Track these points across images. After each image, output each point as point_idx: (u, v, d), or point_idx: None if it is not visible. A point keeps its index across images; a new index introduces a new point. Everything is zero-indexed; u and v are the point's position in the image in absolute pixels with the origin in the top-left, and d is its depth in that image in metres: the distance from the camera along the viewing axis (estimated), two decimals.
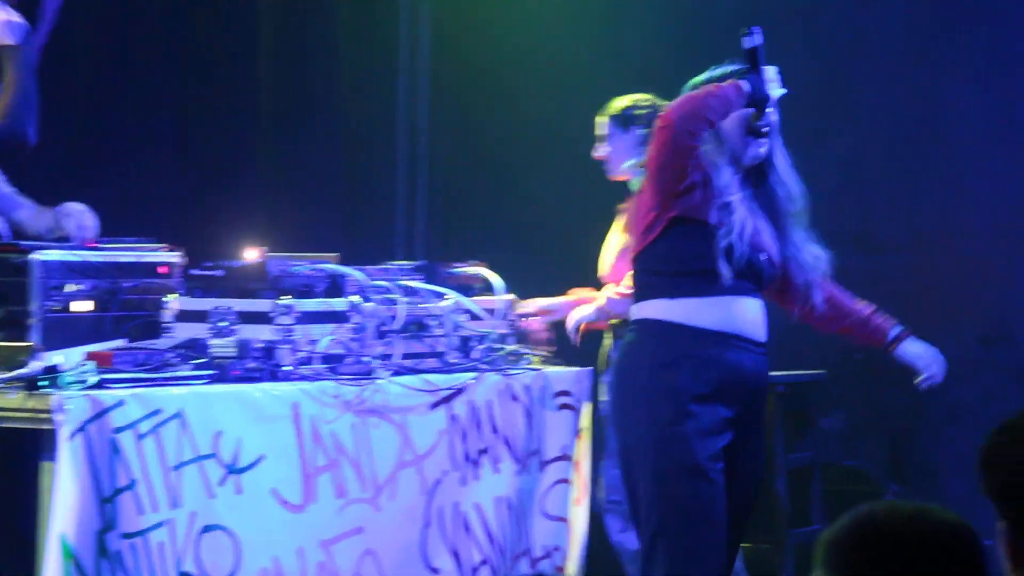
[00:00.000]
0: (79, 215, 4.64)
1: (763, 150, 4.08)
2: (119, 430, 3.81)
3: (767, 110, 4.03)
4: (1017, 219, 6.34)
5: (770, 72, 4.04)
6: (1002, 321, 6.37)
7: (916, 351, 4.30)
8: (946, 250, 6.44)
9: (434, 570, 4.47)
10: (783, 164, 4.14)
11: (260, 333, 4.28)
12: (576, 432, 4.90)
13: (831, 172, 6.56)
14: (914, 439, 6.41)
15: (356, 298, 4.48)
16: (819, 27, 6.63)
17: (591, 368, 5.00)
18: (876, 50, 6.57)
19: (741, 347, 4.01)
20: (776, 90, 4.05)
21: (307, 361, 4.32)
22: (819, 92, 6.47)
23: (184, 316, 4.36)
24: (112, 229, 4.65)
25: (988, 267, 6.34)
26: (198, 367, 4.17)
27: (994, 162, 6.40)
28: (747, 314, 4.03)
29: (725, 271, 3.94)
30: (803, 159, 6.29)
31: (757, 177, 4.10)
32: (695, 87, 4.10)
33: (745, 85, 3.99)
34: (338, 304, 4.45)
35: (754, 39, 4.03)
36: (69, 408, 3.76)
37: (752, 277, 4.04)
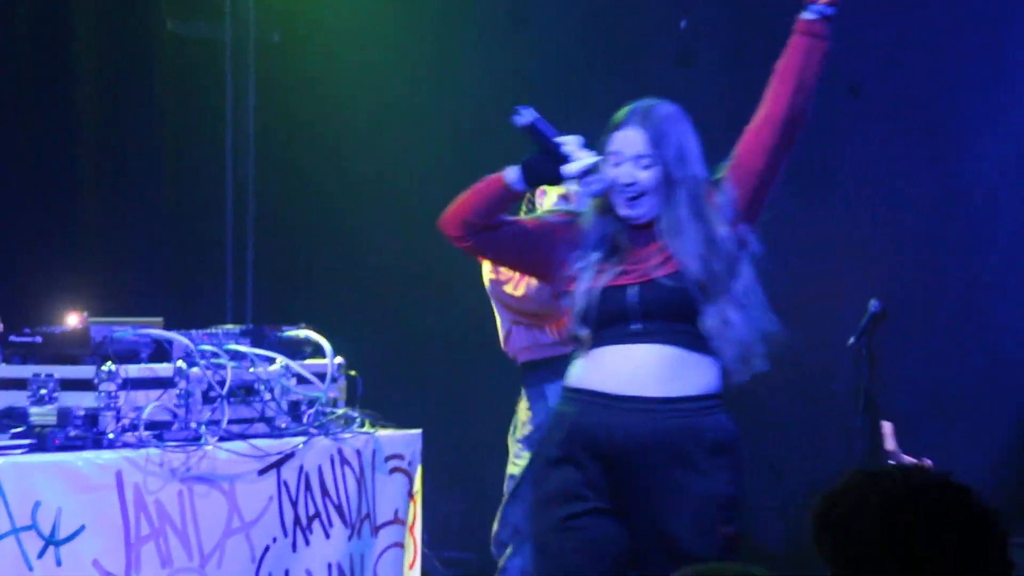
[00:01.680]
0: None
1: (628, 209, 3.80)
2: None
3: (589, 175, 3.78)
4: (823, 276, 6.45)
5: (569, 141, 3.82)
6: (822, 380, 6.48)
7: None
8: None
9: None
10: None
11: (83, 400, 4.18)
12: (409, 495, 4.87)
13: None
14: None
15: (182, 363, 4.40)
16: (641, 93, 6.72)
17: (421, 431, 4.98)
18: (691, 118, 6.69)
19: (598, 404, 3.72)
20: (577, 159, 3.79)
21: (132, 428, 4.23)
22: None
23: (3, 384, 4.26)
24: None
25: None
26: (16, 436, 4.06)
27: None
28: (622, 367, 3.71)
29: (578, 330, 3.82)
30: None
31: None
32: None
33: (509, 173, 3.84)
34: (163, 370, 4.37)
35: (523, 117, 3.84)
36: None
37: (628, 317, 3.70)
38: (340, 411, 4.79)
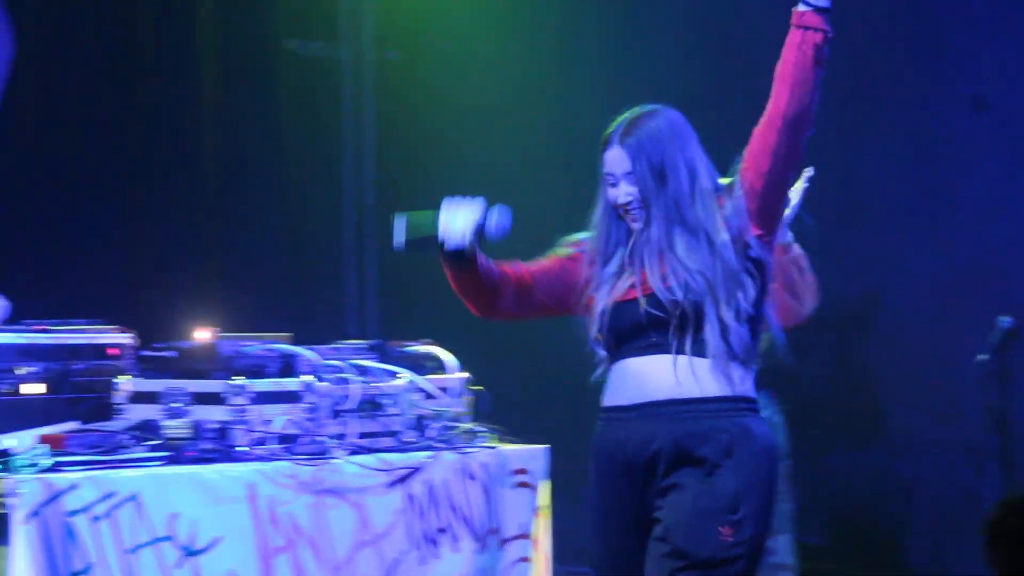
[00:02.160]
0: None
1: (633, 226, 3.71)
2: (74, 513, 3.75)
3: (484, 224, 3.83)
4: (949, 294, 6.38)
5: (445, 224, 3.89)
6: (951, 398, 6.40)
7: None
8: (884, 325, 6.48)
9: None
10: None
11: (214, 414, 4.24)
12: (534, 510, 4.87)
13: None
14: (874, 513, 6.41)
15: (310, 378, 4.45)
16: (755, 108, 6.69)
17: (548, 446, 4.97)
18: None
19: (616, 419, 3.66)
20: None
21: (262, 441, 4.28)
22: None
23: (137, 398, 4.33)
24: (63, 311, 4.60)
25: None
26: (152, 449, 4.12)
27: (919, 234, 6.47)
28: (635, 378, 3.65)
29: (597, 349, 3.73)
30: None
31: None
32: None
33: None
34: (291, 384, 4.41)
35: (397, 237, 3.87)
36: (22, 492, 3.71)
37: (643, 330, 3.63)
38: (465, 426, 4.80)
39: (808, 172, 4.87)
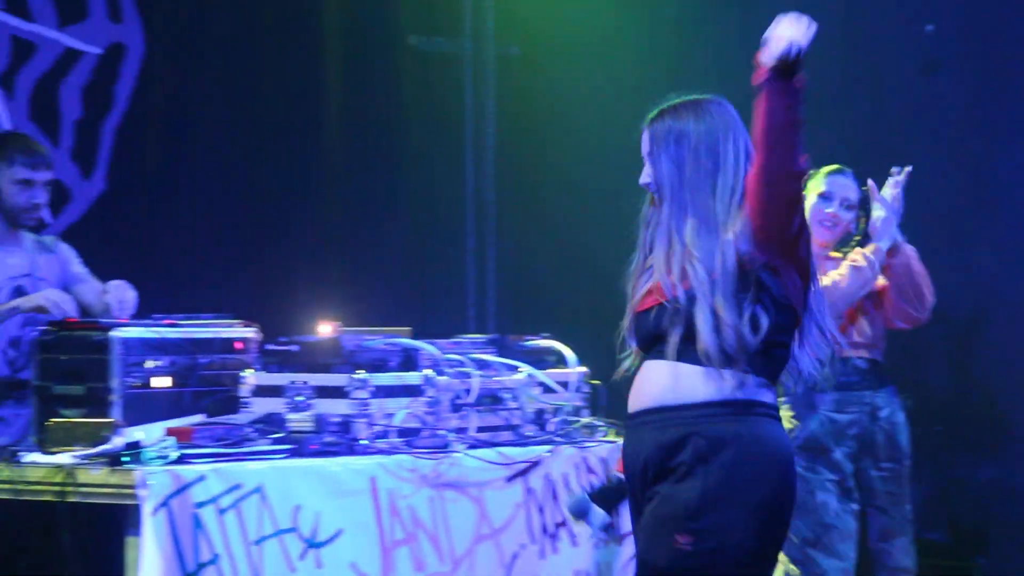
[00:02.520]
0: (119, 290, 4.70)
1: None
2: (201, 505, 3.83)
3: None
4: None
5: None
6: None
7: None
8: (1011, 317, 6.39)
9: None
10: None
11: (336, 407, 4.29)
12: None
13: None
14: (1001, 510, 6.33)
15: (430, 372, 4.49)
16: (882, 103, 6.63)
17: None
18: (935, 126, 6.57)
19: (625, 428, 3.55)
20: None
21: (383, 435, 4.33)
22: (882, 166, 6.47)
23: (261, 391, 4.40)
24: (188, 306, 4.69)
25: None
26: (276, 441, 4.19)
27: None
28: (636, 386, 3.54)
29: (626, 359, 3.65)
30: None
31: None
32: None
33: None
34: (412, 378, 4.46)
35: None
36: (151, 483, 3.79)
37: (657, 338, 3.51)
38: (584, 420, 4.82)
39: (897, 174, 4.81)
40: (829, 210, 4.76)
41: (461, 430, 4.49)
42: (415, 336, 4.65)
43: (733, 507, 3.27)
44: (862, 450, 4.62)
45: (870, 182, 4.80)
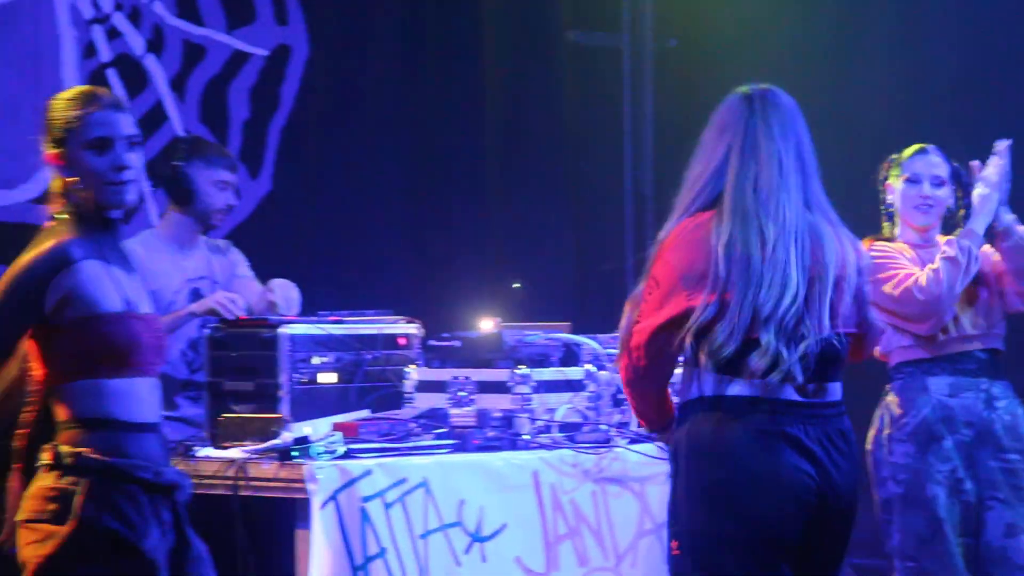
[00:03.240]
0: (283, 289, 4.77)
1: None
2: (368, 499, 3.90)
3: None
4: None
5: None
6: None
7: None
8: None
9: None
10: None
11: (498, 402, 4.34)
12: None
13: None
14: None
15: (591, 367, 4.51)
16: None
17: None
18: None
19: None
20: None
21: (545, 430, 4.36)
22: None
23: (424, 386, 4.45)
24: (351, 303, 4.77)
25: None
26: (440, 436, 4.24)
27: None
28: None
29: None
30: None
31: None
32: None
33: None
34: (574, 373, 4.49)
35: None
36: (320, 477, 3.86)
37: None
38: None
39: (1003, 144, 4.59)
40: (919, 192, 4.60)
41: (623, 425, 4.50)
42: (575, 331, 4.66)
43: (690, 507, 3.29)
44: (979, 439, 4.45)
45: (974, 163, 4.59)
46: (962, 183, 4.63)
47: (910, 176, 4.61)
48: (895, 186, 4.68)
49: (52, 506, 3.08)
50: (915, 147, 4.67)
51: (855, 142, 6.61)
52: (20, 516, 3.13)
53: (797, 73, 6.81)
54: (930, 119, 6.26)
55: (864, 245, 4.55)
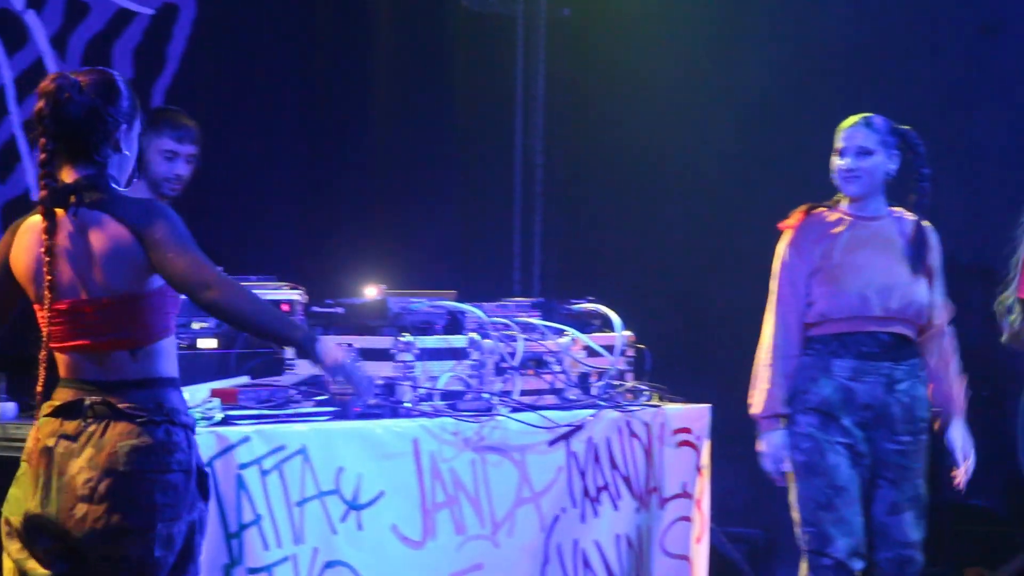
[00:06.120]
0: None
1: None
2: (244, 466, 3.86)
3: None
4: None
5: None
6: None
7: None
8: None
9: None
10: None
11: (381, 370, 4.32)
12: (697, 469, 4.88)
13: (954, 208, 6.48)
14: None
15: (475, 335, 4.51)
16: (941, 61, 6.57)
17: (710, 406, 4.97)
18: (994, 87, 6.50)
19: None
20: None
21: (427, 398, 4.35)
22: (940, 129, 6.42)
23: None
24: (234, 267, 4.71)
25: None
26: (320, 404, 4.21)
27: None
28: None
29: None
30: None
31: None
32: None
33: None
34: (457, 341, 4.48)
35: None
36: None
37: None
38: (628, 384, 4.83)
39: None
40: (843, 163, 4.64)
41: (505, 393, 4.51)
42: (461, 299, 4.66)
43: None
44: (876, 420, 4.53)
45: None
46: (911, 146, 4.64)
47: (839, 148, 4.63)
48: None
49: None
50: (854, 117, 4.67)
51: (744, 114, 6.67)
52: None
53: (688, 45, 6.85)
54: (819, 92, 6.32)
55: (798, 213, 4.62)
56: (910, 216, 4.66)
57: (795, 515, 4.57)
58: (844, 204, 4.66)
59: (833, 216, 4.63)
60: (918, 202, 4.65)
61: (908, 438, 4.56)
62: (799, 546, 4.57)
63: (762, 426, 4.58)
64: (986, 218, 6.52)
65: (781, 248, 4.62)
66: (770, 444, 4.55)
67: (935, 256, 4.67)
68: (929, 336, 4.64)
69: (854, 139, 4.60)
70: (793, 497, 4.58)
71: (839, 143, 4.62)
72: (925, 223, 4.66)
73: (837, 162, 4.63)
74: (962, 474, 4.66)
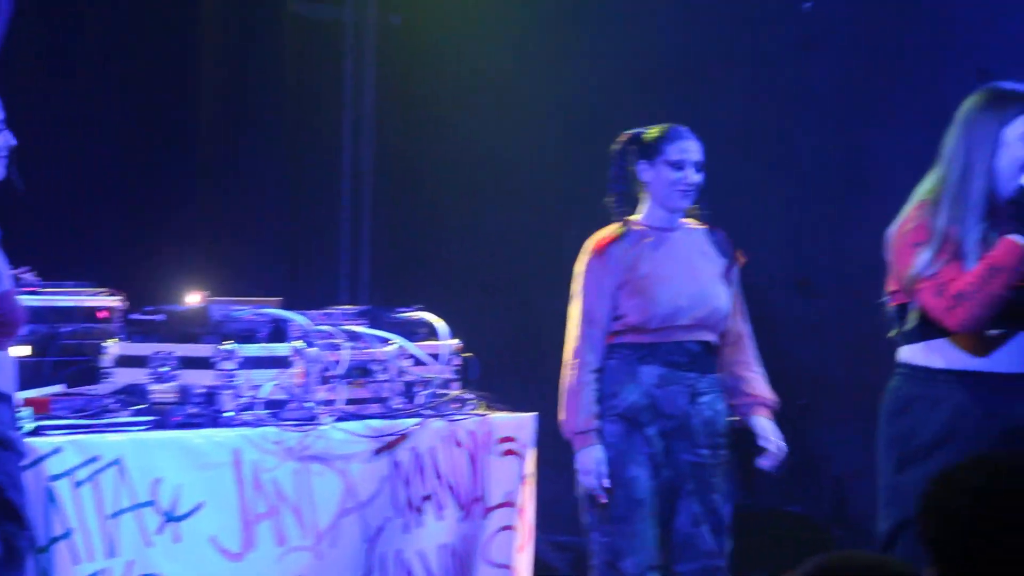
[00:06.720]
0: None
1: None
2: (55, 478, 3.77)
3: None
4: None
5: None
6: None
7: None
8: (881, 294, 6.46)
9: None
10: None
11: (201, 378, 4.25)
12: (521, 478, 4.88)
13: (776, 219, 6.60)
14: (859, 483, 6.42)
15: (299, 343, 4.45)
16: (762, 77, 6.68)
17: (535, 414, 4.98)
18: (814, 101, 6.63)
19: None
20: None
21: (249, 407, 4.29)
22: (761, 141, 6.52)
23: (124, 361, 4.34)
24: (51, 273, 4.60)
25: None
26: (138, 413, 4.13)
27: None
28: None
29: None
30: (749, 207, 6.31)
31: None
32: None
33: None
34: (281, 349, 4.42)
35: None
36: None
37: None
38: (454, 393, 4.81)
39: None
40: (686, 176, 4.62)
41: (329, 402, 4.46)
42: (285, 307, 4.60)
43: None
44: (678, 431, 4.55)
45: None
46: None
47: (675, 159, 4.56)
48: (650, 167, 4.62)
49: None
50: (665, 127, 4.63)
51: (572, 123, 6.71)
52: None
53: (517, 54, 6.88)
54: (643, 103, 6.38)
55: (606, 229, 4.58)
56: (699, 225, 4.68)
57: (589, 525, 4.57)
58: (641, 216, 4.64)
59: (636, 228, 4.62)
60: (701, 212, 4.67)
61: (707, 451, 4.59)
62: (590, 559, 4.57)
63: (577, 443, 4.53)
64: (805, 228, 6.66)
65: (583, 262, 4.59)
66: (588, 460, 4.50)
67: (733, 262, 4.70)
68: (731, 341, 4.68)
69: (693, 153, 4.59)
70: (586, 508, 4.59)
71: (676, 155, 4.57)
72: (718, 230, 4.69)
73: (675, 175, 4.57)
74: (771, 459, 4.64)
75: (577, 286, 4.58)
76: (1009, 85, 3.96)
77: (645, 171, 4.61)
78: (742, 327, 4.70)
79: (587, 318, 4.53)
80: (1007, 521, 2.16)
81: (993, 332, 3.88)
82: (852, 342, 6.32)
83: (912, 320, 3.98)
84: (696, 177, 4.58)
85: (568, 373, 4.55)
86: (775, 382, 4.81)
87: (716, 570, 4.59)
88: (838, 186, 6.62)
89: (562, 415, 4.55)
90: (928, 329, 3.94)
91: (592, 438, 4.50)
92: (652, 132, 4.62)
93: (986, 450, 3.50)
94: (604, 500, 4.48)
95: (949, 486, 2.22)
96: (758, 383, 4.69)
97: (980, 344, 3.88)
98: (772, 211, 6.51)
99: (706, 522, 4.57)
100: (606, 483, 4.49)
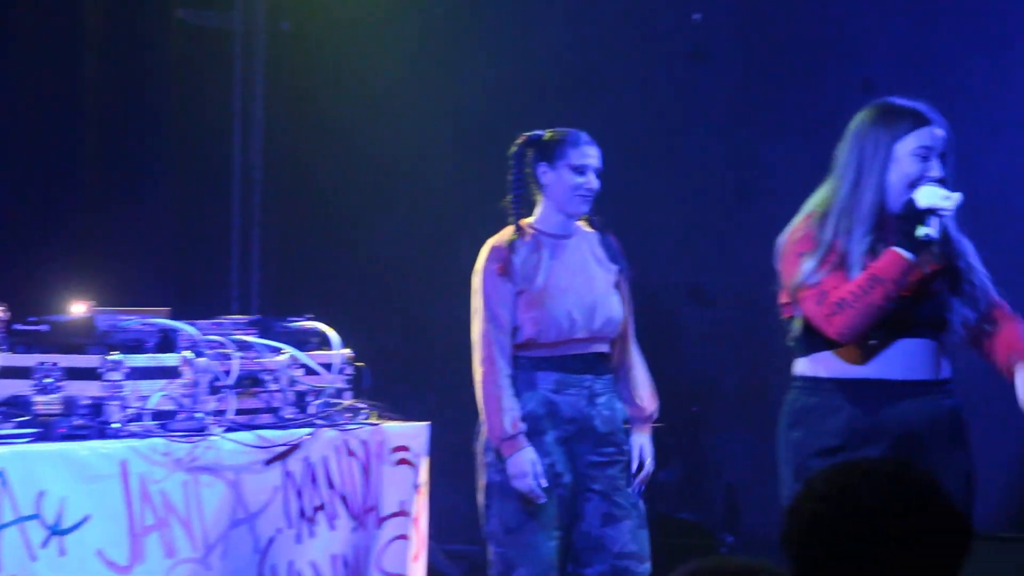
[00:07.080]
0: None
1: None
2: None
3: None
4: None
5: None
6: None
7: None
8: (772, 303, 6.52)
9: None
10: None
11: (87, 389, 4.17)
12: (415, 487, 4.85)
13: (668, 228, 6.64)
14: (750, 490, 6.47)
15: (188, 353, 4.39)
16: (653, 87, 6.72)
17: (428, 423, 4.95)
18: (703, 111, 6.68)
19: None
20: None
21: (137, 418, 4.22)
22: (651, 149, 6.56)
23: (6, 372, 4.25)
24: None
25: None
26: (21, 425, 4.05)
27: None
28: None
29: None
30: (640, 215, 6.35)
31: None
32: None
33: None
34: (169, 359, 4.36)
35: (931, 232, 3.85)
36: None
37: None
38: (346, 402, 4.77)
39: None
40: (589, 182, 4.61)
41: (219, 413, 4.40)
42: (174, 316, 4.53)
43: None
44: (580, 434, 4.56)
45: None
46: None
47: (578, 164, 4.54)
48: (551, 170, 4.59)
49: None
50: (565, 131, 4.61)
51: (464, 130, 6.71)
52: None
53: (410, 63, 6.86)
54: (535, 112, 6.39)
55: (501, 235, 4.55)
56: (590, 229, 4.68)
57: (485, 536, 4.55)
58: (536, 219, 4.62)
59: (531, 232, 4.61)
60: (593, 218, 4.67)
61: (612, 449, 4.60)
62: (488, 569, 4.55)
63: (505, 449, 4.50)
64: (695, 236, 6.70)
65: (481, 270, 4.57)
66: (522, 463, 4.48)
67: (624, 268, 4.70)
68: (620, 348, 4.69)
69: (595, 159, 4.59)
70: (485, 518, 4.57)
71: (579, 160, 4.55)
72: (609, 235, 4.69)
73: (576, 179, 4.55)
74: (638, 480, 4.66)
75: (478, 294, 4.56)
76: (901, 101, 3.99)
77: (545, 174, 4.60)
78: (630, 335, 4.72)
79: (494, 324, 4.52)
80: (860, 531, 2.15)
81: (872, 341, 3.92)
82: (744, 350, 6.38)
83: (797, 329, 4.01)
84: (596, 183, 4.59)
85: (482, 381, 4.54)
86: (667, 390, 4.83)
87: (625, 572, 4.58)
88: (727, 194, 6.68)
89: (485, 424, 4.53)
90: (813, 339, 3.97)
91: (521, 441, 4.48)
92: (553, 135, 4.62)
93: (867, 457, 3.54)
94: (543, 500, 4.47)
95: (807, 493, 2.21)
96: (640, 392, 4.70)
97: (860, 353, 3.92)
98: (662, 219, 6.55)
99: (624, 519, 4.58)
100: (544, 483, 4.48)
